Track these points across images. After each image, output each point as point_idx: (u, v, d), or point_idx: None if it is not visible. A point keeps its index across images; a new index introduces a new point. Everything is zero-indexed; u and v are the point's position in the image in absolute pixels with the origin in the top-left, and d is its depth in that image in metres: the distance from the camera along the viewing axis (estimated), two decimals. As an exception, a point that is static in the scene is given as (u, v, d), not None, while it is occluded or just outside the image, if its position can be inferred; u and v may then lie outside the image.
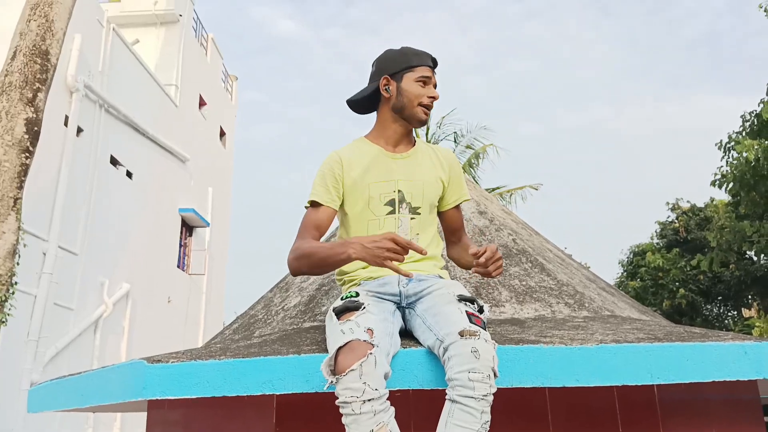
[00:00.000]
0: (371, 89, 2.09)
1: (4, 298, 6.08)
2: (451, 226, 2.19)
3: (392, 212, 2.00)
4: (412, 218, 2.01)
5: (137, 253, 13.33)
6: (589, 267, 3.74)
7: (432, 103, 2.04)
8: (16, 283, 6.38)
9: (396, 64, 2.06)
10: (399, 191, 2.01)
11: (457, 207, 2.17)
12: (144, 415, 3.01)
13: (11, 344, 9.17)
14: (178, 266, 15.82)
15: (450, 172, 2.12)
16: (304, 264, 1.88)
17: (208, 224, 17.10)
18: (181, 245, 16.19)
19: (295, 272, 1.93)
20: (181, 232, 16.21)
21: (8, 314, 6.23)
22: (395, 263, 1.69)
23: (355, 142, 2.13)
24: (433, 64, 2.08)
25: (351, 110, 2.21)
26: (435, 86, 2.06)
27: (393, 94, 2.05)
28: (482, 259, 1.77)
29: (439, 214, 2.18)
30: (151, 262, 13.97)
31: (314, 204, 2.02)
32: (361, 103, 2.15)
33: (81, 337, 11.12)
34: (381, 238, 1.69)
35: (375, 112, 2.14)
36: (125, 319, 12.63)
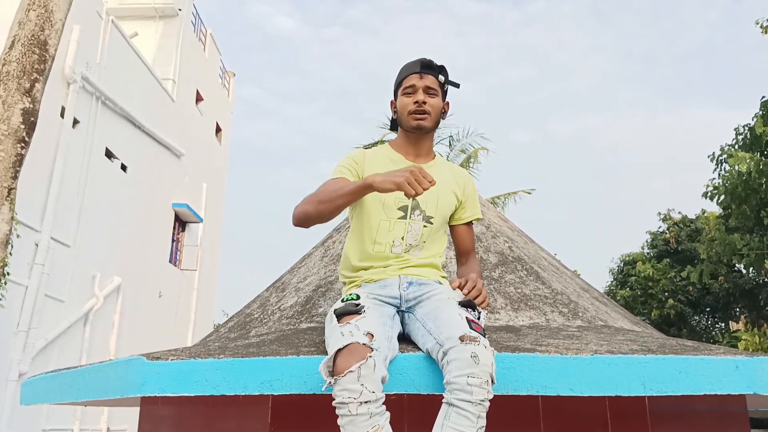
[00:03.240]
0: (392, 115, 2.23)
1: (-5, 289, 6.05)
2: (462, 246, 2.22)
3: (403, 217, 2.04)
4: (424, 226, 2.04)
5: (129, 246, 13.29)
6: (579, 274, 3.78)
7: (419, 107, 2.06)
8: (8, 273, 6.36)
9: (395, 86, 2.18)
10: (414, 198, 2.03)
11: (469, 224, 2.21)
12: (131, 409, 3.01)
13: (1, 334, 9.12)
14: (170, 261, 15.78)
15: (465, 191, 2.17)
16: (311, 201, 1.90)
17: (201, 220, 17.06)
18: (173, 240, 16.15)
19: (299, 216, 1.91)
20: (174, 227, 16.17)
21: (-1, 305, 6.21)
22: (412, 188, 1.67)
23: (381, 147, 2.22)
24: (423, 66, 2.09)
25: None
26: (427, 89, 2.08)
27: (397, 113, 2.17)
28: (465, 291, 1.89)
29: (452, 230, 2.21)
30: (143, 256, 13.93)
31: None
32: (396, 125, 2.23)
33: (71, 329, 11.08)
34: (405, 168, 1.72)
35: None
36: (116, 313, 12.59)
